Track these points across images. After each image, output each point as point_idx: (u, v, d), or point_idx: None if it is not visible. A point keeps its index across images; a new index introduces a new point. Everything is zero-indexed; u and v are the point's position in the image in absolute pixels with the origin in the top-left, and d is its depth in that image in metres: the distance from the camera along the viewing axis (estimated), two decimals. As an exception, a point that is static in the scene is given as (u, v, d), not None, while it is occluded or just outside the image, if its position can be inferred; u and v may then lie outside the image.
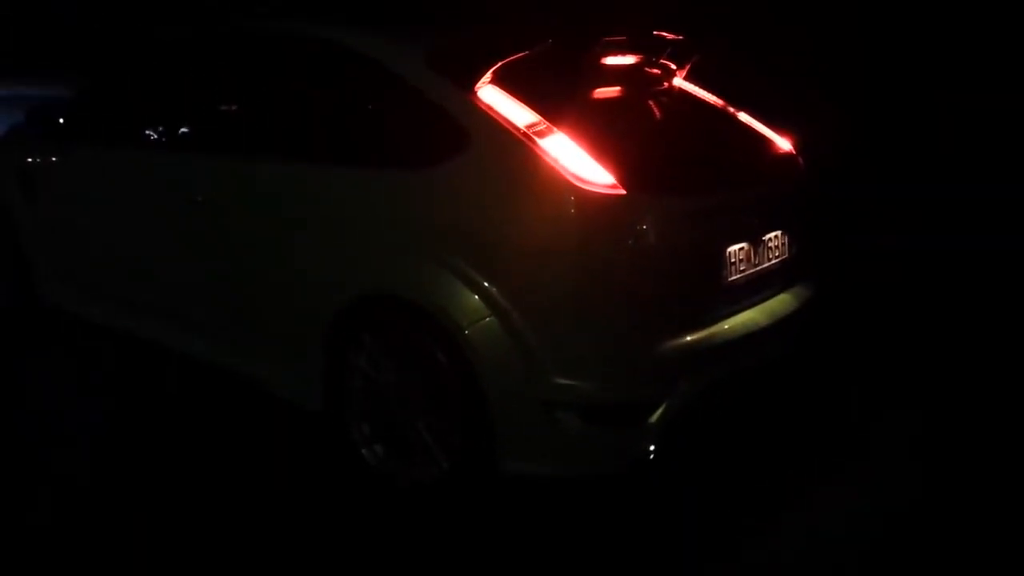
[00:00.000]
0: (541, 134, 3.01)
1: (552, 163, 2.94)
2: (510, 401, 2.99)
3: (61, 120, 4.38)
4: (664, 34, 3.63)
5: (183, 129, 3.97)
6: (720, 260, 3.25)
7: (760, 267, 3.43)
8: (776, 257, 3.52)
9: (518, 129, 3.02)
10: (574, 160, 2.96)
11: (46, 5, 17.69)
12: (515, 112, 3.08)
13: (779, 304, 3.55)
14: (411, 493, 3.24)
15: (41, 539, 3.01)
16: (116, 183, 4.23)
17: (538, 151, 2.96)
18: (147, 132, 4.07)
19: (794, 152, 3.88)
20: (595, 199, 2.90)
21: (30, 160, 4.54)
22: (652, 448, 3.01)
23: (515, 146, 3.01)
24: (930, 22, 7.71)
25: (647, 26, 3.62)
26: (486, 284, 2.98)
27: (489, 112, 3.09)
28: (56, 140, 4.41)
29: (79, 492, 3.29)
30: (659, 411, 3.01)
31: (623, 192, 2.94)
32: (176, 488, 3.34)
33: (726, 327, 3.27)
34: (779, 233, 3.53)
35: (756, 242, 3.40)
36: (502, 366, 2.97)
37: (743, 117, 3.94)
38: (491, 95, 3.13)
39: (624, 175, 2.96)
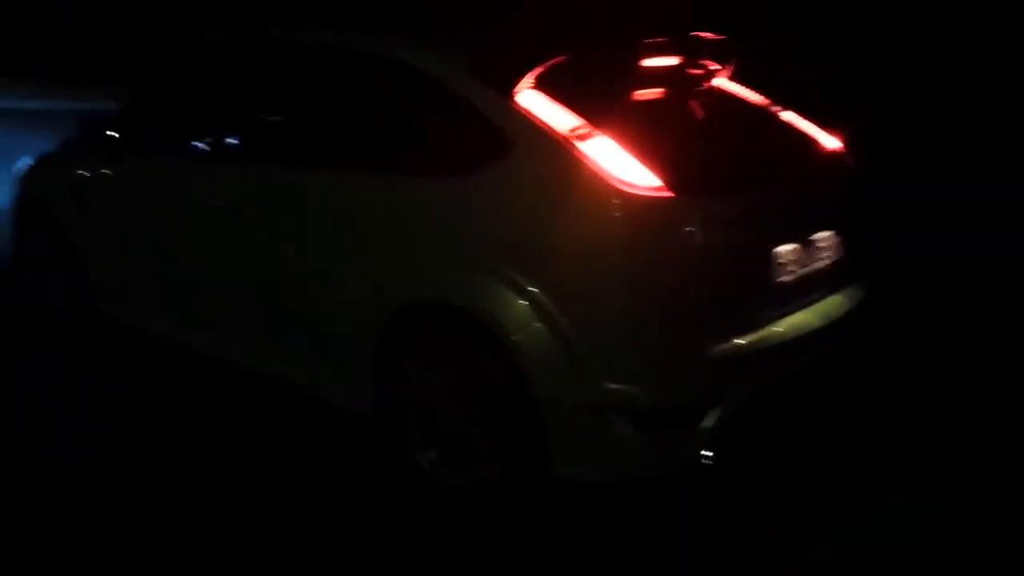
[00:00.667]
0: (584, 138, 3.01)
1: (595, 167, 2.93)
2: (561, 406, 2.98)
3: (110, 132, 4.45)
4: (705, 34, 3.60)
5: (229, 139, 4.01)
6: (769, 261, 3.22)
7: (810, 267, 3.39)
8: (827, 257, 3.48)
9: (560, 133, 3.02)
10: (618, 163, 2.95)
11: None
12: (557, 116, 3.07)
13: (831, 305, 3.51)
14: (464, 498, 3.24)
15: (98, 540, 3.06)
16: (164, 194, 4.28)
17: (581, 155, 2.96)
18: (193, 143, 4.12)
19: (842, 150, 3.82)
20: (640, 202, 2.89)
21: (81, 172, 4.62)
22: (705, 452, 2.99)
23: (558, 150, 3.00)
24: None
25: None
26: (533, 289, 2.98)
27: (531, 117, 3.09)
28: (106, 152, 4.48)
29: (132, 496, 3.34)
30: (711, 414, 2.99)
31: (669, 194, 2.92)
32: (240, 497, 3.37)
33: (777, 329, 3.24)
34: (829, 233, 3.49)
35: (806, 242, 3.36)
36: (552, 371, 2.96)
37: (789, 116, 3.90)
38: (532, 100, 3.13)
39: (669, 177, 2.95)
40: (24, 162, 5.14)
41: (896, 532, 3.11)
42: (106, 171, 4.50)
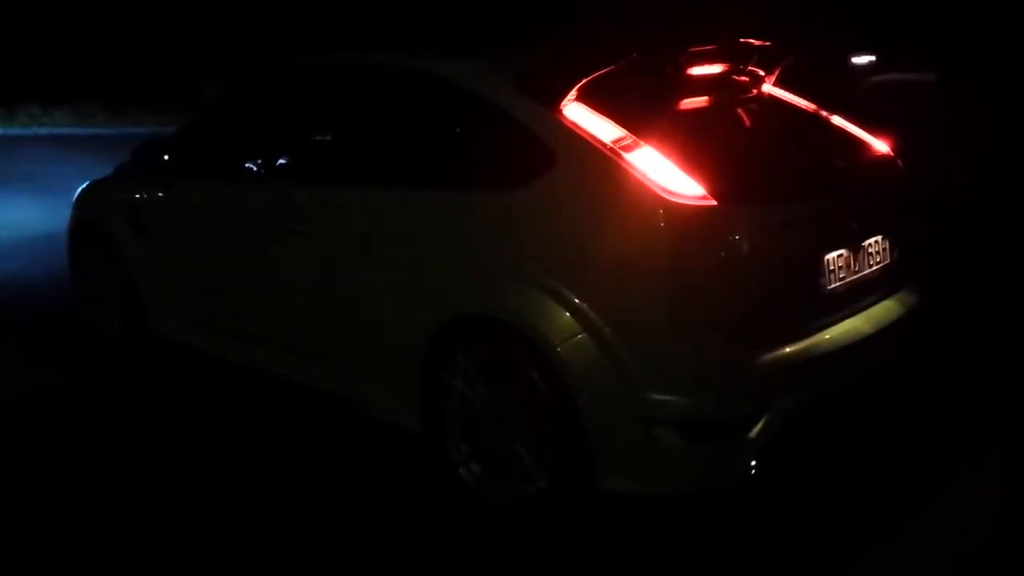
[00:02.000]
0: (628, 148, 2.99)
1: (640, 177, 2.91)
2: (606, 418, 2.96)
3: (165, 156, 4.54)
4: (751, 41, 3.57)
5: (281, 160, 4.07)
6: (818, 268, 3.17)
7: (861, 274, 3.33)
8: (878, 263, 3.42)
9: (604, 144, 3.01)
10: (662, 173, 2.93)
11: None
12: (601, 127, 3.06)
13: (883, 311, 3.44)
14: (510, 511, 3.23)
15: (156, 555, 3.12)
16: (218, 216, 4.37)
17: (625, 165, 2.94)
18: (246, 165, 4.18)
19: (892, 154, 3.75)
20: (685, 211, 2.86)
21: (137, 196, 4.72)
22: (753, 464, 2.94)
23: (601, 161, 2.99)
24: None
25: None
26: (577, 301, 2.97)
27: (575, 129, 3.08)
28: (161, 175, 4.58)
29: (192, 511, 3.40)
30: (759, 425, 2.94)
31: (714, 203, 2.89)
32: (286, 508, 3.42)
33: (827, 337, 3.18)
34: (880, 238, 3.43)
35: (856, 248, 3.31)
36: (596, 383, 2.95)
37: (837, 121, 3.84)
38: (576, 112, 3.12)
39: (715, 186, 2.92)
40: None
41: (963, 542, 3.04)
42: (161, 193, 4.60)
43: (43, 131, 15.25)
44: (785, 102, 3.89)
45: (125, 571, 3.07)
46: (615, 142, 3.02)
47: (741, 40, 3.58)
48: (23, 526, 3.34)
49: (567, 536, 3.15)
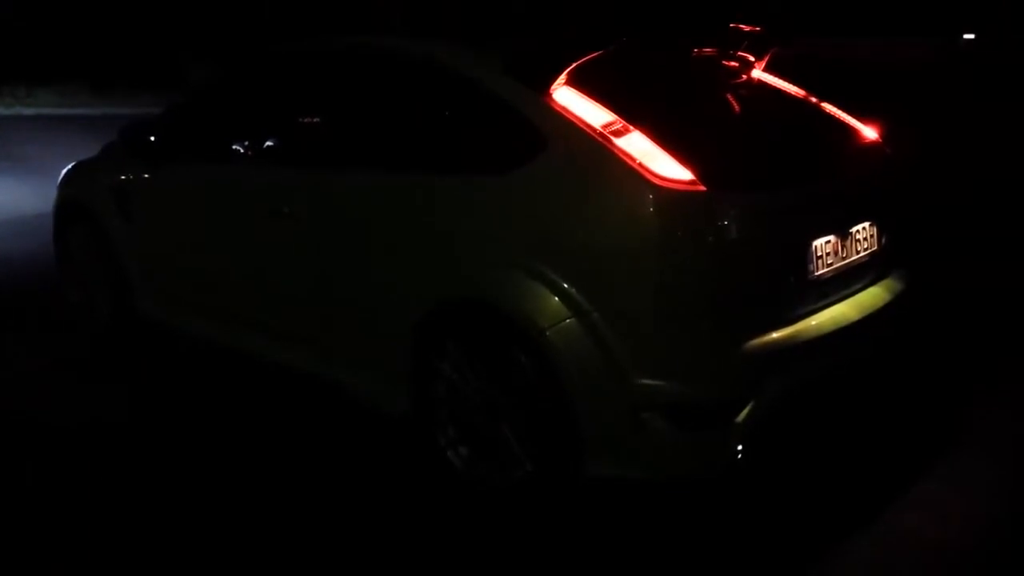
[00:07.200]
0: (617, 133, 2.99)
1: (629, 162, 2.91)
2: (594, 403, 2.97)
3: (151, 137, 4.51)
4: (741, 26, 3.57)
5: (268, 143, 4.05)
6: (806, 254, 3.18)
7: (849, 260, 3.35)
8: (865, 249, 3.43)
9: (594, 129, 3.00)
10: (652, 158, 2.92)
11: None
12: (591, 112, 3.06)
13: (870, 297, 3.46)
14: (497, 495, 3.24)
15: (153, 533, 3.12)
16: (205, 198, 4.35)
17: (614, 150, 2.94)
18: (233, 147, 4.17)
19: (880, 140, 3.77)
20: (674, 196, 2.87)
21: (124, 177, 4.70)
22: (740, 448, 2.96)
23: (591, 146, 2.99)
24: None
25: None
26: (566, 286, 2.97)
27: (565, 113, 3.08)
28: (147, 157, 4.55)
29: (181, 496, 3.40)
30: (746, 410, 2.95)
31: (703, 188, 2.89)
32: (274, 493, 3.42)
33: (814, 323, 3.20)
34: (867, 224, 3.44)
35: (843, 234, 3.32)
36: (585, 367, 2.95)
37: (826, 107, 3.85)
38: (566, 96, 3.12)
39: (704, 171, 2.92)
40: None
41: (945, 530, 3.06)
42: (147, 175, 4.57)
43: (28, 111, 15.14)
44: (775, 88, 3.89)
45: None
46: (605, 127, 3.01)
47: (731, 26, 3.58)
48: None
49: (554, 518, 3.16)
